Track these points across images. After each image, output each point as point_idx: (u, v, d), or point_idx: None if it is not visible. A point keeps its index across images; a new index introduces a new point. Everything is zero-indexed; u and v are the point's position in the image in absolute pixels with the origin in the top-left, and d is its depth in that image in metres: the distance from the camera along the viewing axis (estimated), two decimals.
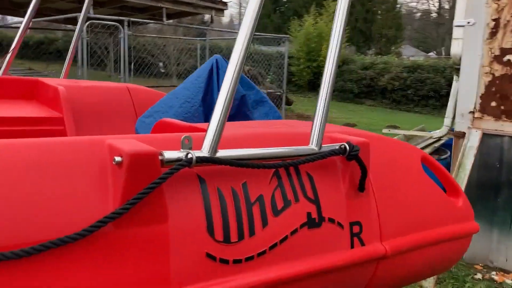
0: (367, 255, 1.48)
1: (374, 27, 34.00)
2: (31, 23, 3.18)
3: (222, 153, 1.20)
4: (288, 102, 13.96)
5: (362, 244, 1.48)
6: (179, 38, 15.73)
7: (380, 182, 1.60)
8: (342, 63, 21.49)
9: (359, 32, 32.99)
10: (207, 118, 2.32)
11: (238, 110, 2.30)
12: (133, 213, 1.04)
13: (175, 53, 15.19)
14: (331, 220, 1.40)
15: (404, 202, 1.65)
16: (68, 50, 3.33)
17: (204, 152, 1.17)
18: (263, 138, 1.42)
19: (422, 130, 7.98)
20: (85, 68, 7.10)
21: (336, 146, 1.44)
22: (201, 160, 1.13)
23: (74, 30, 3.35)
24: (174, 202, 1.13)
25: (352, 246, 1.46)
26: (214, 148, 1.18)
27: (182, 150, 1.15)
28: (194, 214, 1.15)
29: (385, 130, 7.66)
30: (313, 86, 21.70)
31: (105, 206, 1.04)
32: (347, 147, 1.41)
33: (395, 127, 10.64)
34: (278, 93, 12.54)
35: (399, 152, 1.76)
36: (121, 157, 1.04)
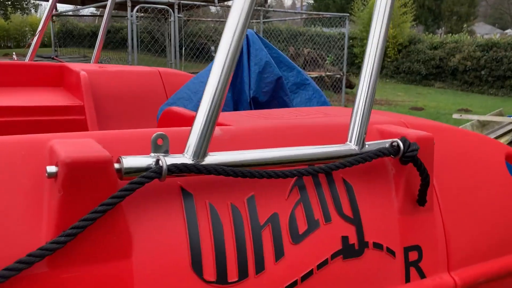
0: None
1: (443, 4, 31.99)
2: (54, 10, 3.00)
3: (213, 157, 0.85)
4: (350, 85, 13.29)
5: (422, 276, 1.09)
6: None
7: (449, 191, 1.19)
8: (409, 43, 20.35)
9: (427, 10, 31.21)
10: (237, 106, 1.97)
11: (273, 95, 1.94)
12: (74, 248, 0.72)
13: None
14: (378, 246, 1.02)
15: (482, 218, 1.22)
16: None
17: (187, 157, 0.83)
18: (284, 134, 1.05)
19: (500, 114, 7.17)
20: (136, 53, 6.96)
21: (385, 143, 1.04)
22: (177, 169, 0.79)
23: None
24: (142, 229, 0.80)
25: (407, 280, 1.07)
26: (201, 151, 0.83)
27: (153, 154, 0.81)
28: (172, 244, 0.82)
29: (455, 115, 6.98)
30: None
31: (36, 238, 0.72)
32: (401, 145, 1.02)
33: (467, 111, 9.80)
34: (338, 76, 11.91)
35: (476, 149, 1.32)
36: (57, 166, 0.72)
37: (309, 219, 0.96)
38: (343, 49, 12.16)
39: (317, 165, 0.98)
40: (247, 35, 1.92)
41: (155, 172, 0.77)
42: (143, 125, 2.17)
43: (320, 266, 0.95)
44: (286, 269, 0.91)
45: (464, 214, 1.19)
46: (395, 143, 1.04)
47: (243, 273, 0.87)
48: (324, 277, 0.95)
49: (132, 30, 6.97)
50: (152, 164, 0.79)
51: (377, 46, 1.04)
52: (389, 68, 20.36)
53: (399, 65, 20.29)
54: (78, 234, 0.71)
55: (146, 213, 0.82)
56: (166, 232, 0.82)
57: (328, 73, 11.79)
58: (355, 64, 19.87)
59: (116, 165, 0.77)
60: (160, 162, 0.78)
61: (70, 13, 17.49)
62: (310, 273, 0.94)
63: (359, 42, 20.21)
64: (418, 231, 1.10)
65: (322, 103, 2.11)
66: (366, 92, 1.04)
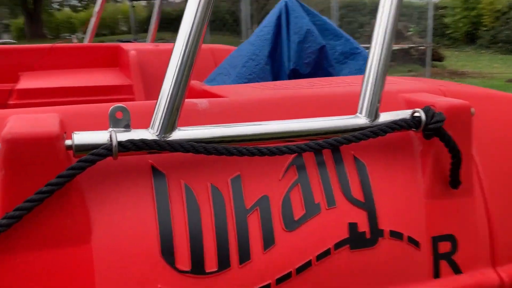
0: None
1: None
2: None
3: (184, 132, 0.76)
4: (439, 57, 12.40)
5: (457, 271, 0.92)
6: None
7: (497, 172, 0.99)
8: (508, 9, 18.54)
9: None
10: (276, 79, 1.85)
11: (317, 66, 1.78)
12: (22, 231, 0.67)
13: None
14: (396, 235, 0.87)
15: None
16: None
17: (151, 132, 0.74)
18: (285, 106, 0.93)
19: None
20: (207, 33, 6.95)
21: (406, 114, 0.89)
22: (134, 146, 0.70)
23: None
24: (104, 212, 0.73)
25: (437, 275, 0.91)
26: (168, 125, 0.74)
27: (110, 129, 0.73)
28: (139, 229, 0.74)
29: None
30: (472, 39, 19.15)
31: None
32: (422, 116, 0.85)
33: None
34: (422, 47, 11.14)
35: None
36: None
37: (307, 203, 0.83)
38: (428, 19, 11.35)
39: (320, 140, 0.84)
40: (286, 2, 1.78)
41: (106, 149, 0.69)
42: None
43: (320, 257, 0.82)
44: (277, 259, 0.80)
45: None
46: (416, 114, 0.87)
47: (223, 262, 0.77)
48: (326, 270, 0.82)
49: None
50: (107, 140, 0.71)
51: (392, 1, 0.88)
52: (485, 38, 18.72)
53: (497, 34, 18.60)
54: (23, 216, 0.65)
55: (109, 194, 0.74)
56: (133, 216, 0.74)
57: (411, 45, 11.06)
58: (446, 35, 18.58)
59: (68, 142, 0.70)
60: (112, 138, 0.70)
61: None
62: (308, 264, 0.81)
63: (451, 11, 18.84)
64: (452, 218, 0.93)
65: None
66: (379, 54, 0.88)
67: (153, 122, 0.75)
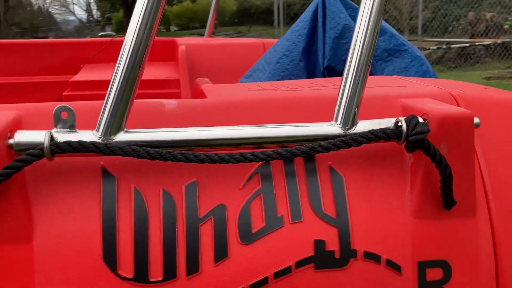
0: None
1: None
2: None
3: (130, 135, 0.73)
4: None
5: None
6: None
7: (509, 191, 0.86)
8: None
9: None
10: (311, 77, 1.76)
11: None
12: None
13: (407, 6, 13.97)
14: (372, 257, 0.79)
15: None
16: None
17: (95, 133, 0.72)
18: (260, 109, 0.87)
19: None
20: (282, 28, 6.88)
21: (388, 123, 0.79)
22: (71, 148, 0.68)
23: None
24: (49, 212, 0.72)
25: None
26: (112, 127, 0.71)
27: (54, 130, 0.72)
28: (82, 231, 0.73)
29: None
30: None
31: None
32: (403, 127, 0.76)
33: None
34: None
35: None
36: None
37: (268, 215, 0.77)
38: None
39: (292, 147, 0.78)
40: None
41: (41, 149, 0.69)
42: None
43: (278, 275, 0.76)
44: (229, 273, 0.75)
45: None
46: (398, 123, 0.77)
47: (169, 272, 0.73)
48: None
49: (278, 5, 6.91)
50: (44, 139, 0.70)
51: None
52: None
53: None
54: None
55: (56, 194, 0.73)
56: (77, 218, 0.73)
57: (504, 40, 10.14)
58: None
59: (10, 141, 0.70)
60: (45, 138, 0.69)
61: None
62: (264, 281, 0.75)
63: None
64: (446, 242, 0.82)
65: (422, 73, 1.77)
66: (358, 52, 0.79)
67: (99, 123, 0.73)
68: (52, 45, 2.71)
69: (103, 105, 0.73)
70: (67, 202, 0.74)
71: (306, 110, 0.87)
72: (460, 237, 0.82)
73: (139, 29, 0.72)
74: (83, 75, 2.37)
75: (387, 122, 0.80)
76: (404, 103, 0.87)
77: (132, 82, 0.72)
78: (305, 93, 0.95)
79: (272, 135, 0.78)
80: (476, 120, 0.80)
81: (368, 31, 0.78)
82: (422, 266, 0.80)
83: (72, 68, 2.59)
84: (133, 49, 0.72)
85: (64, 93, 2.20)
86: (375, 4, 0.78)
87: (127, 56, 0.72)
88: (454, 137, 0.78)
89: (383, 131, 0.77)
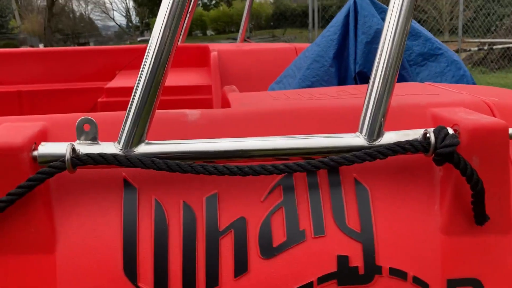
0: None
1: None
2: None
3: (151, 147, 0.73)
4: None
5: None
6: None
7: None
8: None
9: None
10: (343, 83, 1.73)
11: None
12: None
13: (447, 6, 13.65)
14: (398, 274, 0.76)
15: None
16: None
17: (116, 146, 0.72)
18: (284, 120, 0.85)
19: None
20: (316, 30, 6.82)
21: (416, 134, 0.76)
22: (92, 160, 0.69)
23: None
24: (72, 223, 0.73)
25: None
26: (133, 139, 0.71)
27: (77, 142, 0.73)
28: (104, 242, 0.73)
29: None
30: None
31: None
32: (432, 139, 0.72)
33: None
34: None
35: None
36: None
37: (290, 229, 0.75)
38: None
39: (314, 159, 0.76)
40: (354, 1, 1.65)
41: (63, 162, 0.69)
42: None
43: None
44: (250, 287, 0.73)
45: None
46: (426, 135, 0.74)
47: (189, 286, 0.73)
48: None
49: (313, 8, 6.87)
50: (66, 152, 0.71)
51: None
52: None
53: None
54: None
55: (79, 205, 0.74)
56: (99, 229, 0.74)
57: None
58: None
59: (34, 153, 0.71)
60: (67, 151, 0.70)
61: None
62: None
63: None
64: (478, 259, 0.77)
65: (459, 78, 1.70)
66: (384, 62, 0.76)
67: (120, 135, 0.73)
68: (89, 52, 2.77)
69: (125, 117, 0.73)
70: (89, 213, 0.74)
71: (331, 120, 0.85)
72: (493, 254, 0.78)
73: (159, 43, 0.72)
74: (118, 82, 2.42)
75: (415, 133, 0.76)
76: (434, 113, 0.84)
77: (153, 94, 0.72)
78: (330, 103, 0.93)
79: (295, 147, 0.77)
80: (511, 131, 0.76)
81: (396, 36, 0.76)
82: (452, 284, 0.76)
83: (108, 75, 2.65)
84: (153, 61, 0.72)
85: (99, 100, 2.25)
86: (404, 6, 0.75)
87: (148, 68, 0.72)
88: (486, 149, 0.74)
89: (410, 143, 0.74)
